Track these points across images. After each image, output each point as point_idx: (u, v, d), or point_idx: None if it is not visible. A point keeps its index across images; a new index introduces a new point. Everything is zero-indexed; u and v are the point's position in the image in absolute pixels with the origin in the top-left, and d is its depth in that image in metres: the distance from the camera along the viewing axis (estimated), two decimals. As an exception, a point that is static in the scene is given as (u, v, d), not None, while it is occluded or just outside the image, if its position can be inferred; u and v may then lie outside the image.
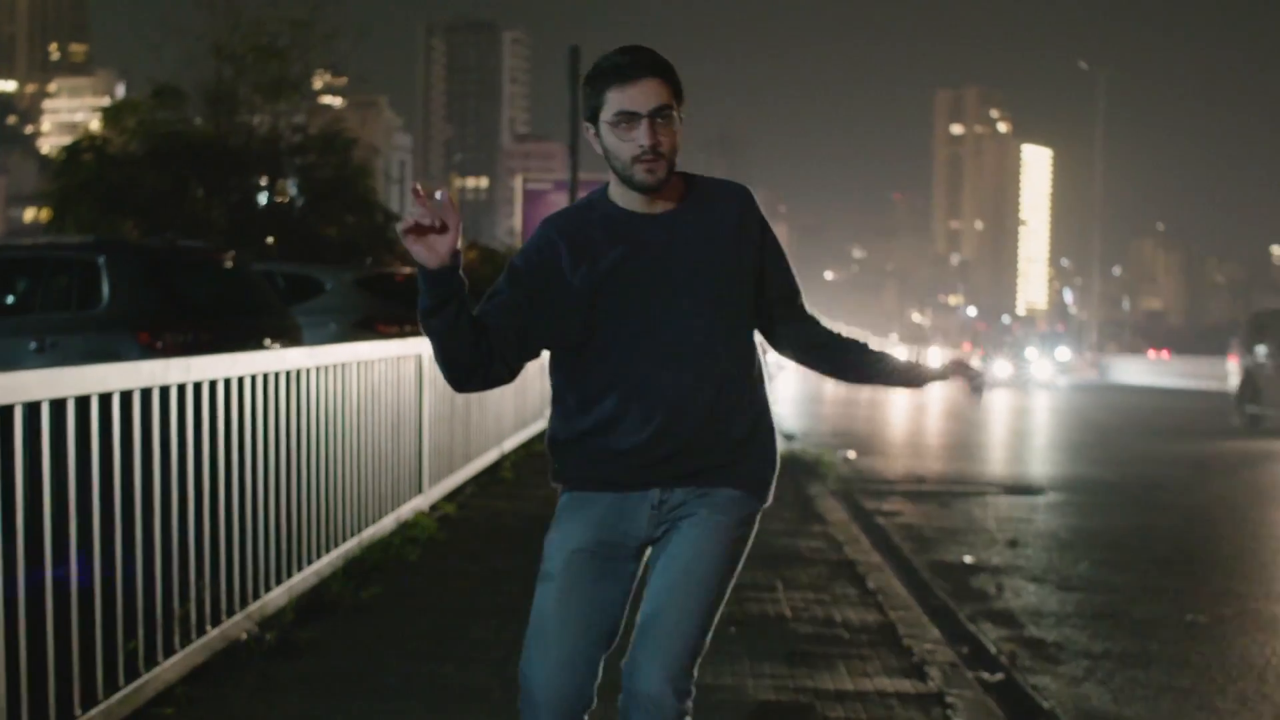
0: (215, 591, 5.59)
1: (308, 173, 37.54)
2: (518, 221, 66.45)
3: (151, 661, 4.93)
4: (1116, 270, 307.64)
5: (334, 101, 44.71)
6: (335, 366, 7.30)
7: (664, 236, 3.33)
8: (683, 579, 3.32)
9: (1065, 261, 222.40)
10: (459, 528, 9.36)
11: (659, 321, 3.30)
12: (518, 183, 68.10)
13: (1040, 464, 17.43)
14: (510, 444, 13.62)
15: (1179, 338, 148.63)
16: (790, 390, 35.93)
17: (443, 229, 3.03)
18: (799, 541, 9.24)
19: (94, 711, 4.45)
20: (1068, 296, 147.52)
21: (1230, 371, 26.76)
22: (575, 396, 3.37)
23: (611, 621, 3.38)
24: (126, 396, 4.73)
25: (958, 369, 3.70)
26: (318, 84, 40.45)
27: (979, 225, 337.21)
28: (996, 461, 17.82)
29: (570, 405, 3.38)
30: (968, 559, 9.75)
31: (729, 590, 3.41)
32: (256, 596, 6.06)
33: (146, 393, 4.89)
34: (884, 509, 12.15)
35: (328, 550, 7.19)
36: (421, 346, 9.55)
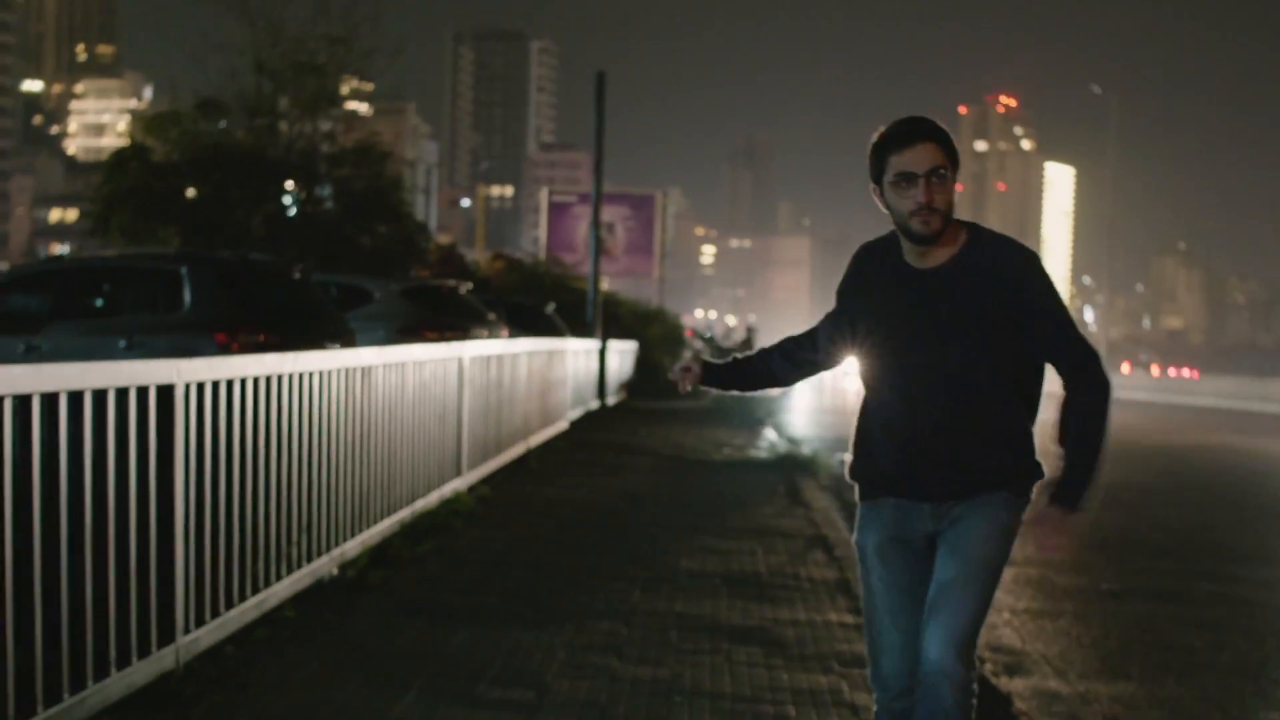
0: (309, 537, 7.17)
1: (343, 184, 38.94)
2: (542, 232, 67.86)
3: (268, 581, 6.51)
4: (1139, 288, 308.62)
5: (360, 107, 45.79)
6: (397, 365, 8.89)
7: (926, 294, 3.81)
8: (962, 562, 3.81)
9: (1087, 279, 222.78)
10: (493, 505, 10.95)
11: (910, 370, 3.84)
12: (543, 194, 69.57)
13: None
14: (535, 440, 15.19)
15: (1199, 356, 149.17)
16: (803, 401, 37.42)
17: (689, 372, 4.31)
18: (783, 521, 10.84)
19: (235, 611, 6.04)
20: (1088, 314, 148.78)
21: None
22: (865, 416, 4.04)
23: (924, 596, 3.89)
24: (257, 381, 6.32)
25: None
26: (345, 90, 41.50)
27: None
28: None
29: (863, 423, 4.05)
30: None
31: (1001, 571, 3.93)
32: (338, 544, 7.64)
33: (269, 379, 6.48)
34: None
35: (388, 515, 8.77)
36: (463, 350, 11.16)
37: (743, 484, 13.55)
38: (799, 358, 4.28)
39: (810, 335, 4.25)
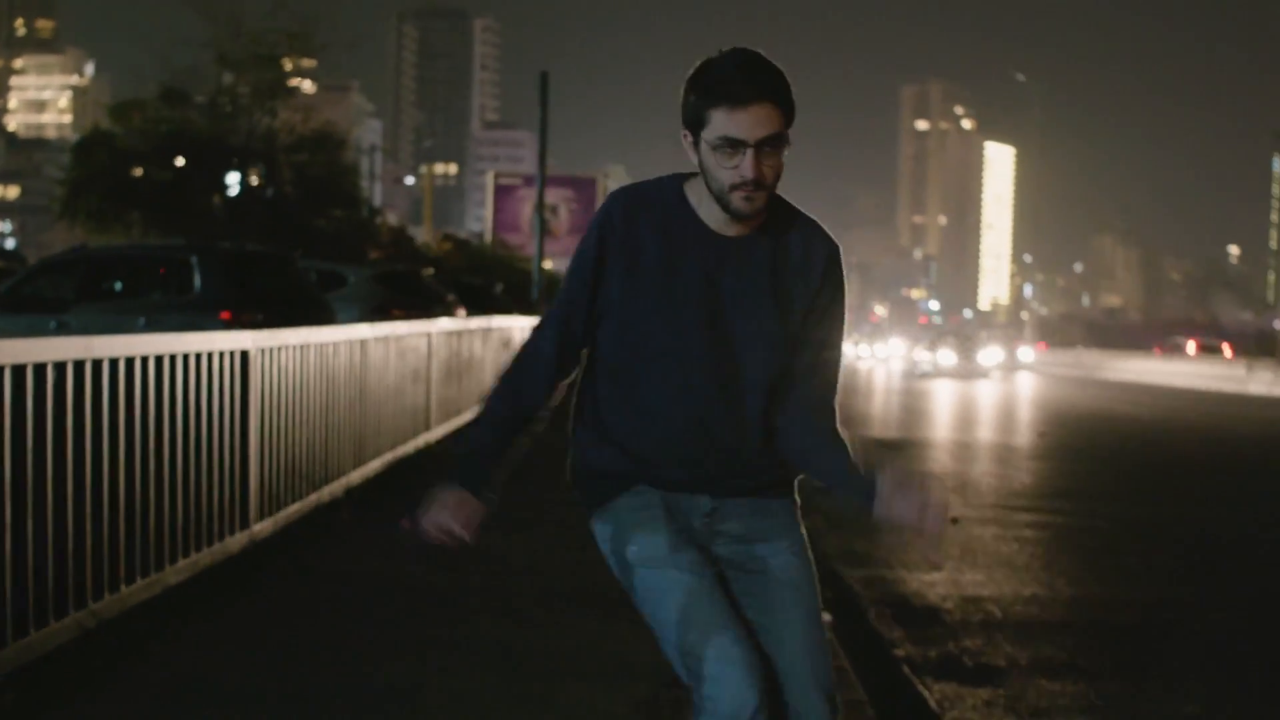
0: (325, 467, 9.50)
1: (301, 170, 41.03)
2: (488, 214, 70.09)
3: (303, 494, 8.86)
4: (1078, 267, 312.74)
5: (304, 84, 47.71)
6: (384, 338, 11.24)
7: (731, 266, 3.14)
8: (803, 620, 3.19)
9: (1028, 257, 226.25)
10: (458, 453, 13.30)
11: (701, 353, 3.14)
12: (489, 177, 71.77)
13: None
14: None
15: (1136, 333, 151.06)
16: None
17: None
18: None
19: (283, 513, 8.39)
20: (1028, 292, 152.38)
21: None
22: (611, 414, 3.30)
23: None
24: (299, 349, 8.65)
25: (915, 505, 3.12)
26: (288, 66, 43.12)
27: (942, 220, 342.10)
28: (947, 428, 21.91)
29: (606, 424, 3.31)
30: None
31: None
32: (344, 474, 9.98)
33: (304, 347, 8.81)
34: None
35: (377, 457, 11.11)
36: (431, 327, 13.52)
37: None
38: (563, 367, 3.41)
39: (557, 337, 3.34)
